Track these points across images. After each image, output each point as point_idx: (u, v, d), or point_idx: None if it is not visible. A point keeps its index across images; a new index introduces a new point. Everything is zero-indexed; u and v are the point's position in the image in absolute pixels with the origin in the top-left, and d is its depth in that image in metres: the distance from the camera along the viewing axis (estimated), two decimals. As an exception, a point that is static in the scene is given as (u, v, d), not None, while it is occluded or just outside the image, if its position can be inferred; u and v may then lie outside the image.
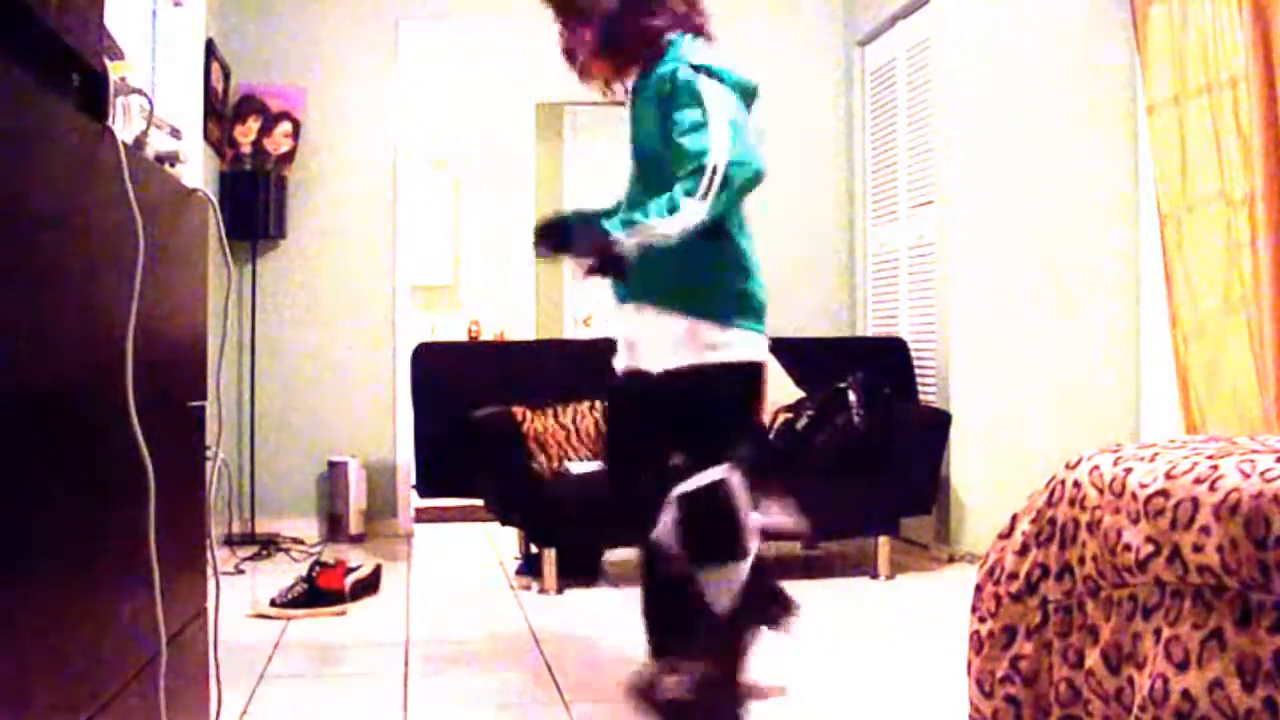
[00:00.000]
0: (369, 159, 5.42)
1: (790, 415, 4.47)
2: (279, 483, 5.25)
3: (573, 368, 4.57)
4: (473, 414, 4.24)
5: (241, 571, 4.44)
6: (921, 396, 4.90)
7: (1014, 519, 2.06)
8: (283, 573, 4.26)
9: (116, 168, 1.58)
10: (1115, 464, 1.87)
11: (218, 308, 3.40)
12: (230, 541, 4.98)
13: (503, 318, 8.83)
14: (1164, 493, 1.71)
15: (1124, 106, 4.68)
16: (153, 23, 4.17)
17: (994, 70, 4.69)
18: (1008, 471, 4.52)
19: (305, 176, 5.31)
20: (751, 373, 2.72)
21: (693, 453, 2.63)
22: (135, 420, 1.60)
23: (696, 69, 2.59)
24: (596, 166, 6.64)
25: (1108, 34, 4.68)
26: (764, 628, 2.81)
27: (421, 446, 4.56)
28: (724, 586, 2.57)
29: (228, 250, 2.12)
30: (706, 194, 2.51)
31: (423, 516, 5.67)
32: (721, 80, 2.59)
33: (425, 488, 4.63)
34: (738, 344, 2.65)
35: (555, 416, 4.52)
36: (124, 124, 1.74)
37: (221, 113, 5.00)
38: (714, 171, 2.50)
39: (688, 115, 2.55)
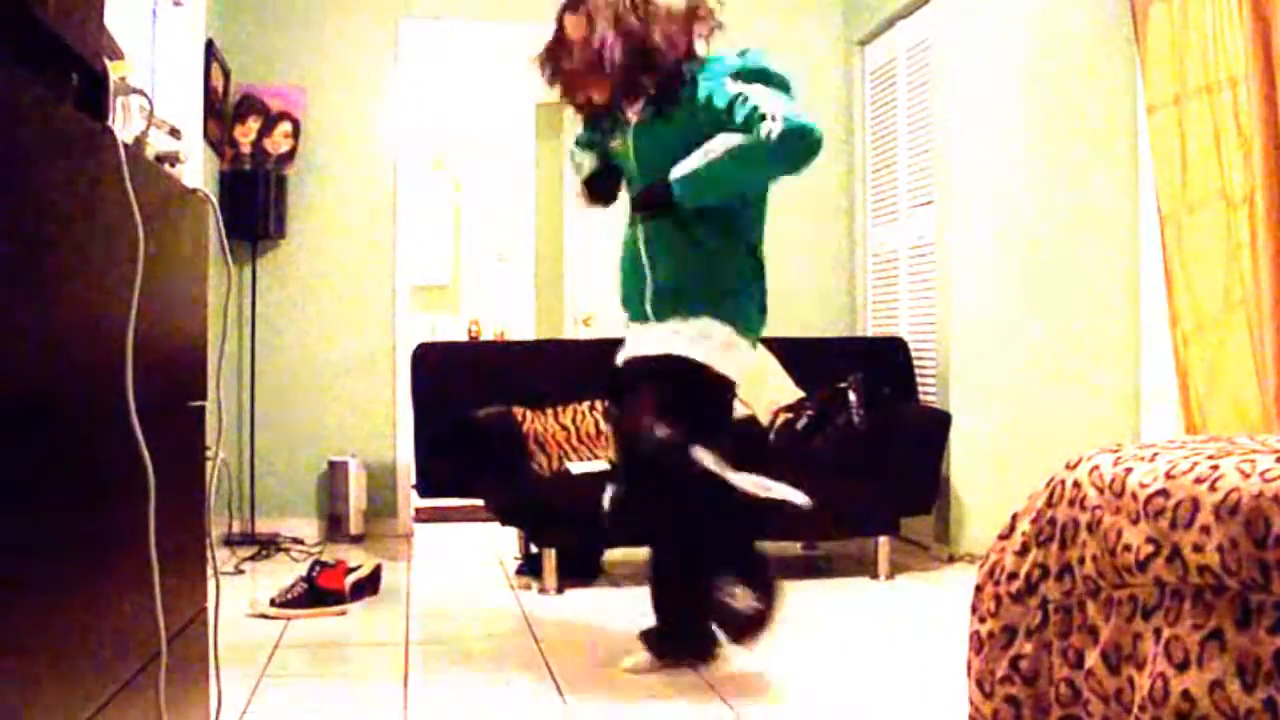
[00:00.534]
0: (369, 159, 5.41)
1: (790, 415, 4.48)
2: (279, 483, 5.25)
3: (573, 368, 4.58)
4: (473, 414, 4.24)
5: (241, 571, 4.44)
6: (921, 396, 4.90)
7: (1014, 519, 2.06)
8: (283, 573, 4.26)
9: (116, 168, 1.58)
10: (1115, 464, 1.86)
11: (218, 308, 3.40)
12: (230, 541, 4.98)
13: (503, 318, 8.84)
14: (1164, 493, 1.71)
15: (1124, 106, 4.68)
16: (153, 23, 4.17)
17: (994, 70, 4.69)
18: (1008, 471, 4.53)
19: (305, 177, 5.30)
20: (731, 385, 2.87)
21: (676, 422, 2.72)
22: (135, 420, 1.60)
23: (735, 77, 2.71)
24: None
25: (1107, 34, 4.68)
26: (692, 659, 2.97)
27: (421, 446, 4.56)
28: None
29: (228, 250, 2.12)
30: (770, 136, 2.60)
31: (423, 516, 5.67)
32: (767, 81, 2.72)
33: (425, 488, 4.63)
34: (744, 350, 2.78)
35: (555, 416, 4.52)
36: (124, 124, 1.73)
37: (221, 113, 5.00)
38: (774, 119, 2.59)
39: (740, 106, 2.69)
